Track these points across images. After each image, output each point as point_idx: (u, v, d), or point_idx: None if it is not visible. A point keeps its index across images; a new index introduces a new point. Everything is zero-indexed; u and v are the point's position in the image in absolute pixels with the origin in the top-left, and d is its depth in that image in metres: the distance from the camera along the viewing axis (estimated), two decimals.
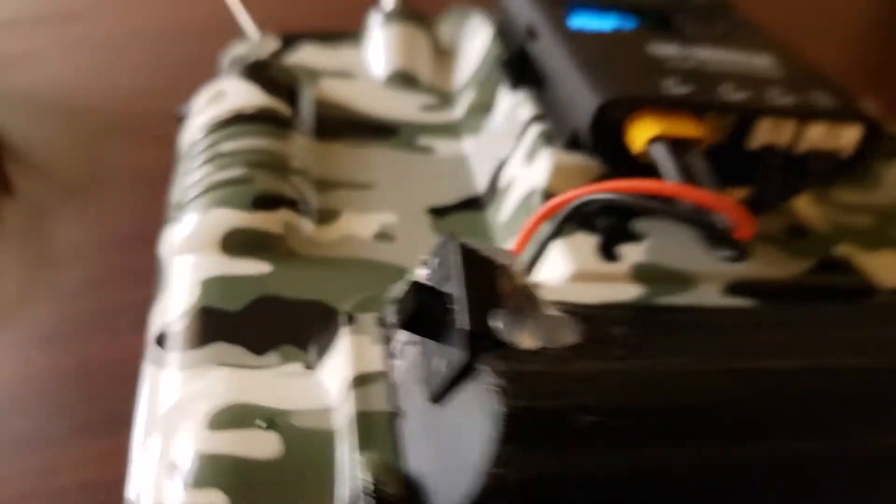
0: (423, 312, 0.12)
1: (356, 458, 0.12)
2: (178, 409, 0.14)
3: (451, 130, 0.23)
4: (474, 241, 0.19)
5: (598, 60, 0.18)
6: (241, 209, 0.18)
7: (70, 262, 0.27)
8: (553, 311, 0.13)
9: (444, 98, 0.25)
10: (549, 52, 0.19)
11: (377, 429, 0.13)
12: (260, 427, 0.13)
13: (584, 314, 0.13)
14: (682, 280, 0.17)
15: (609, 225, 0.17)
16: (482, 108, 0.23)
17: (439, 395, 0.12)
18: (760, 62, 0.19)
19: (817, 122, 0.17)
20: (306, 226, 0.19)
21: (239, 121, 0.21)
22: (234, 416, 0.13)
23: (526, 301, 0.13)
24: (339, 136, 0.22)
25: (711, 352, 0.13)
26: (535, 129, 0.20)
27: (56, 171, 0.33)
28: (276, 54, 0.25)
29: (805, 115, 0.17)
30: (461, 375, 0.11)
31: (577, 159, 0.18)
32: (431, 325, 0.12)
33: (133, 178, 0.31)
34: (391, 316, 0.12)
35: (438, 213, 0.20)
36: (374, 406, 0.13)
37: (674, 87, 0.17)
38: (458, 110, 0.24)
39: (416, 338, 0.13)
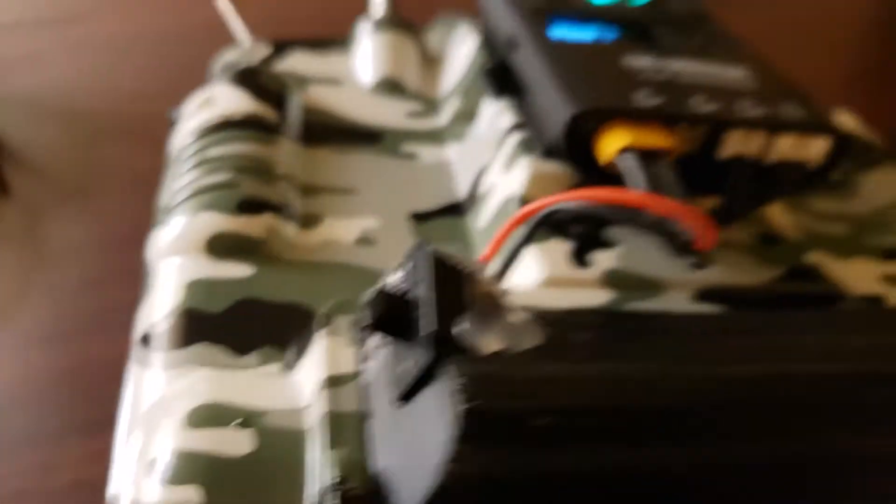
0: (393, 316, 0.13)
1: (326, 457, 0.13)
2: (159, 408, 0.14)
3: (435, 137, 0.24)
4: (454, 246, 0.20)
5: (574, 72, 0.18)
6: (226, 213, 0.18)
7: (68, 262, 0.28)
8: (518, 316, 0.14)
9: (431, 105, 0.25)
10: (528, 63, 0.20)
11: (347, 428, 0.13)
12: (236, 426, 0.13)
13: (549, 319, 0.14)
14: (652, 286, 0.17)
15: (582, 231, 0.18)
16: (466, 115, 0.23)
17: (405, 395, 0.12)
18: (734, 74, 0.19)
19: (786, 133, 0.18)
20: (289, 230, 0.19)
21: (227, 126, 0.21)
22: (211, 415, 0.13)
23: (492, 307, 0.14)
24: (325, 141, 0.23)
25: (672, 357, 0.14)
26: (515, 138, 0.20)
27: (55, 173, 0.33)
28: (267, 61, 0.25)
29: (774, 126, 0.18)
30: (425, 377, 0.12)
31: (554, 167, 0.19)
32: (400, 328, 0.13)
33: (131, 179, 0.31)
34: (363, 319, 0.13)
35: (420, 218, 0.21)
36: (346, 406, 0.14)
37: (645, 99, 0.17)
38: (444, 117, 0.25)
39: (387, 340, 0.13)
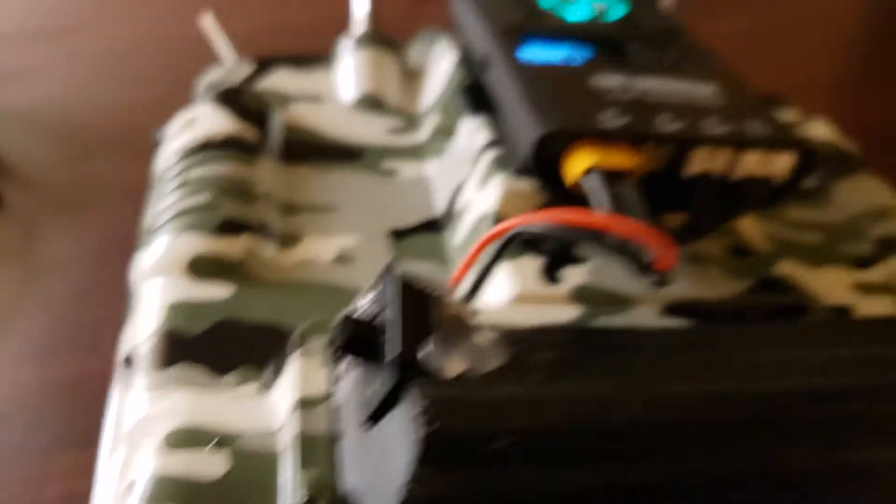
0: (360, 339, 0.13)
1: (297, 478, 0.13)
2: (140, 429, 0.15)
3: (415, 153, 0.24)
4: (431, 262, 0.20)
5: (542, 92, 0.19)
6: (206, 235, 0.19)
7: (60, 276, 0.28)
8: (484, 338, 0.14)
9: (412, 121, 0.26)
10: (499, 83, 0.20)
11: (318, 449, 0.14)
12: (212, 449, 0.14)
13: (515, 338, 0.14)
14: (620, 301, 0.18)
15: (553, 248, 0.18)
16: (446, 131, 0.24)
17: (371, 417, 0.12)
18: (702, 91, 0.20)
19: (752, 150, 0.18)
20: (268, 250, 0.20)
21: (208, 147, 0.22)
22: (188, 438, 0.14)
23: (459, 328, 0.14)
24: (306, 159, 0.23)
25: (633, 375, 0.14)
26: (489, 155, 0.21)
27: (47, 186, 0.34)
28: (250, 79, 0.26)
29: (739, 143, 0.18)
30: (390, 400, 0.12)
31: (527, 185, 0.19)
32: (367, 352, 0.13)
33: (125, 192, 0.32)
34: (333, 341, 0.13)
35: (398, 235, 0.21)
36: (317, 427, 0.14)
37: (611, 120, 0.17)
38: (424, 133, 0.25)
39: (356, 363, 0.14)
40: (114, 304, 0.26)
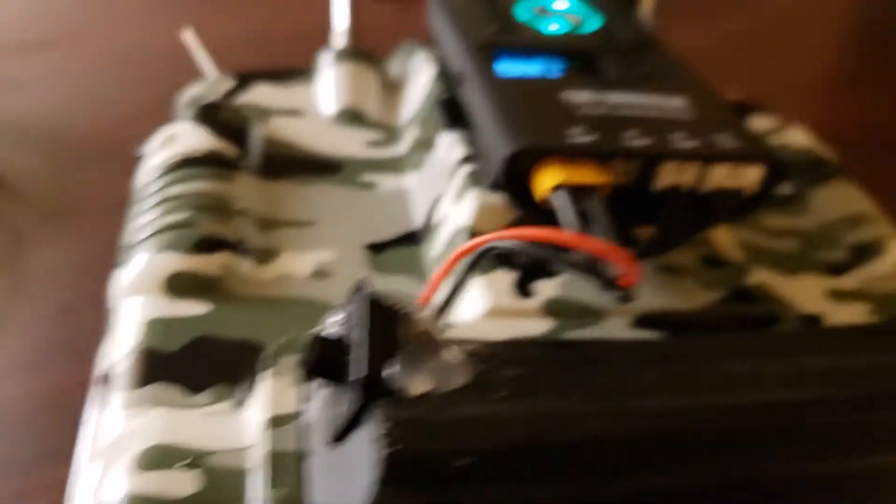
0: (327, 360, 0.13)
1: (266, 496, 0.13)
2: (114, 448, 0.15)
3: (395, 166, 0.25)
4: (409, 276, 0.21)
5: (513, 109, 0.19)
6: (183, 252, 0.19)
7: (46, 287, 0.29)
8: (452, 355, 0.14)
9: (391, 133, 0.26)
10: (472, 98, 0.20)
11: (288, 468, 0.14)
12: (182, 467, 0.14)
13: (484, 354, 0.15)
14: (592, 314, 0.18)
15: (526, 261, 0.19)
16: (425, 144, 0.24)
17: (335, 438, 0.13)
18: (672, 104, 0.20)
19: (720, 163, 0.18)
20: (245, 266, 0.20)
21: (187, 164, 0.22)
22: (160, 457, 0.14)
23: (427, 346, 0.14)
24: (285, 174, 0.23)
25: (599, 389, 0.14)
26: (465, 170, 0.21)
27: (35, 198, 0.34)
28: (230, 94, 0.26)
29: (708, 157, 0.18)
30: (353, 421, 0.13)
31: (501, 200, 0.19)
32: (334, 372, 0.13)
33: (113, 204, 0.32)
34: (302, 361, 0.14)
35: (376, 248, 0.21)
36: (287, 446, 0.14)
37: (579, 136, 0.18)
38: (403, 146, 0.25)
39: (325, 382, 0.14)
40: (100, 316, 0.26)
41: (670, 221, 0.18)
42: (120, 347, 0.17)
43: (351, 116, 0.26)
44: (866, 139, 0.43)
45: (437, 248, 0.21)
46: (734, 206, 0.19)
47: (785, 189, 0.27)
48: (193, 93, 0.26)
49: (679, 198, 0.18)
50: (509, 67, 0.21)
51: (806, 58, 0.53)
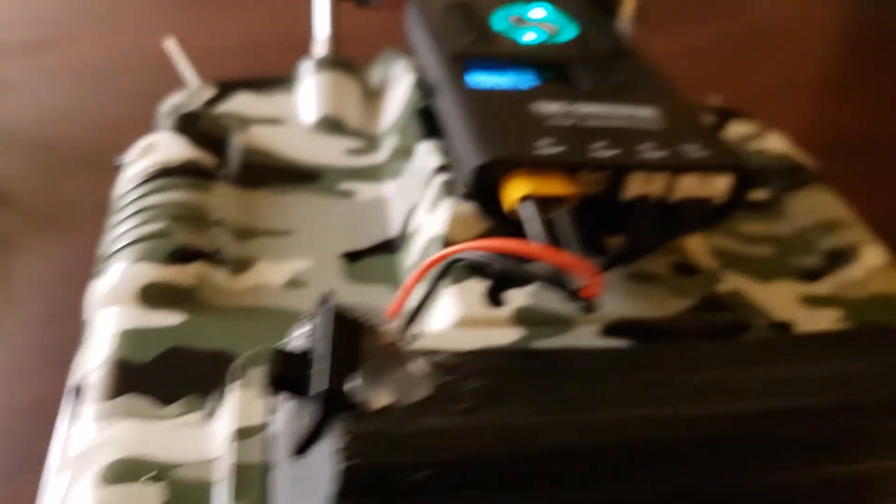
0: (290, 373, 0.14)
1: None
2: (81, 460, 0.15)
3: (374, 174, 0.25)
4: (385, 285, 0.21)
5: (483, 121, 0.19)
6: (158, 263, 0.19)
7: (30, 296, 0.29)
8: (418, 367, 0.14)
9: (371, 141, 0.26)
10: (445, 108, 0.21)
11: (253, 480, 0.14)
12: (147, 480, 0.14)
13: (449, 365, 0.15)
14: (562, 322, 0.18)
15: (498, 270, 0.19)
16: (404, 152, 0.24)
17: (296, 450, 0.13)
18: (643, 114, 0.20)
19: (688, 173, 0.19)
20: (220, 276, 0.20)
21: (164, 174, 0.22)
22: (126, 470, 0.14)
23: (390, 360, 0.14)
24: (264, 183, 0.24)
25: (562, 400, 0.15)
26: (440, 179, 0.21)
27: (20, 205, 0.34)
28: (211, 103, 0.26)
29: (676, 167, 0.18)
30: (314, 434, 0.13)
31: (474, 210, 0.20)
32: (297, 385, 0.14)
33: (98, 212, 0.32)
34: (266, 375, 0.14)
35: (352, 257, 0.22)
36: (252, 458, 0.14)
37: (547, 147, 0.18)
38: (383, 154, 0.25)
39: (288, 395, 0.14)
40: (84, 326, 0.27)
41: (639, 231, 0.19)
42: (93, 358, 0.18)
43: (331, 125, 0.26)
44: (850, 142, 0.44)
45: (412, 256, 0.21)
46: (704, 215, 0.19)
47: (761, 195, 0.27)
48: (174, 102, 0.26)
49: (647, 207, 0.19)
50: (482, 78, 0.21)
51: (794, 62, 0.53)
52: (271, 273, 0.20)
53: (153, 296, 0.19)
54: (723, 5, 0.59)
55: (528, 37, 0.24)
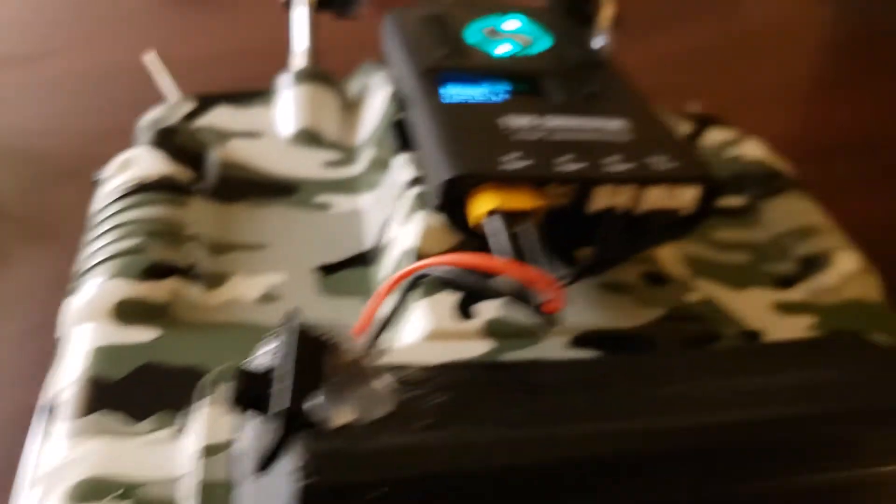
0: (253, 392, 0.14)
1: None
2: (51, 478, 0.15)
3: (351, 186, 0.25)
4: (359, 297, 0.21)
5: (451, 134, 0.19)
6: (132, 279, 0.19)
7: (16, 307, 0.29)
8: (382, 383, 0.15)
9: (350, 154, 0.26)
10: (417, 122, 0.21)
11: (217, 498, 0.14)
12: (113, 499, 0.14)
13: (414, 381, 0.15)
14: (531, 334, 0.18)
15: (462, 286, 0.19)
16: (381, 164, 0.24)
17: (258, 469, 0.13)
18: (611, 126, 0.20)
19: (655, 185, 0.19)
20: (194, 292, 0.20)
21: (140, 190, 0.22)
22: (93, 489, 0.15)
23: (353, 377, 0.15)
24: (240, 197, 0.24)
25: (525, 415, 0.15)
26: (413, 192, 0.21)
27: (7, 216, 0.34)
28: (190, 117, 0.26)
29: (642, 180, 0.19)
30: (274, 453, 0.13)
31: (447, 222, 0.20)
32: (259, 404, 0.14)
33: (82, 225, 0.32)
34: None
35: (326, 270, 0.22)
36: (218, 475, 0.15)
37: (514, 162, 0.18)
38: (360, 166, 0.26)
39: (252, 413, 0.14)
40: None
41: (606, 242, 0.19)
42: (66, 376, 0.18)
43: (308, 137, 0.26)
44: (847, 142, 0.44)
45: (386, 269, 0.21)
46: (672, 226, 0.20)
47: (737, 202, 0.27)
48: (153, 116, 0.27)
49: (614, 219, 0.19)
50: (453, 92, 0.21)
51: (785, 64, 0.53)
52: (245, 288, 0.21)
53: (127, 312, 0.19)
54: (713, 8, 0.59)
55: (502, 49, 0.24)
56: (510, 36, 0.24)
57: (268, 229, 0.23)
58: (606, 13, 0.31)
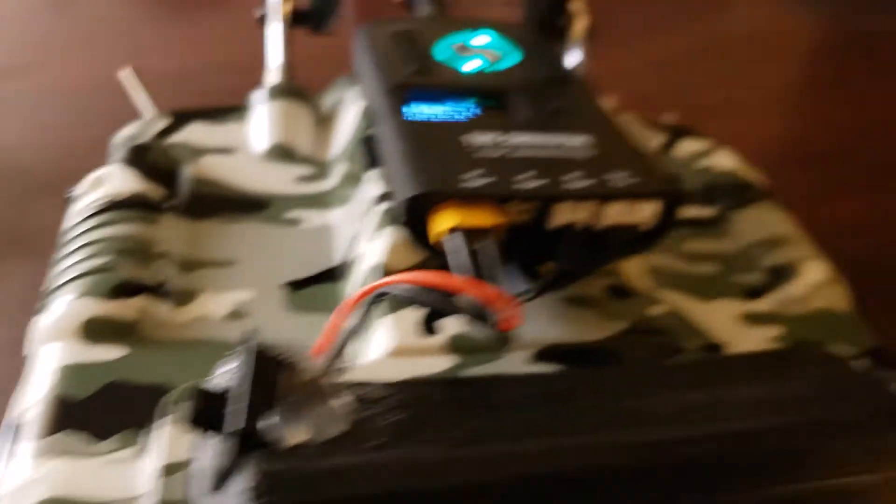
0: (209, 411, 0.14)
1: None
2: (12, 498, 0.15)
3: (322, 201, 0.25)
4: (326, 314, 0.21)
5: (415, 153, 0.19)
6: (100, 298, 0.20)
7: None
8: (339, 402, 0.15)
9: (322, 169, 0.27)
10: (383, 139, 0.21)
11: None
12: None
13: (372, 399, 0.15)
14: (493, 349, 0.19)
15: (421, 304, 0.19)
16: (353, 179, 0.25)
17: (212, 489, 0.13)
18: (574, 143, 0.20)
19: (615, 201, 0.19)
20: (163, 309, 0.20)
21: (112, 208, 0.22)
22: None
23: (309, 396, 0.15)
24: (212, 213, 0.24)
25: (481, 433, 0.15)
26: (381, 208, 0.22)
27: None
28: (164, 133, 0.27)
29: (602, 196, 0.19)
30: (227, 472, 0.13)
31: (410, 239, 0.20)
32: (214, 424, 0.14)
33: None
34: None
35: (295, 286, 0.22)
36: (177, 495, 0.15)
37: (475, 179, 0.18)
38: (332, 181, 0.26)
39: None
40: None
41: (568, 257, 0.19)
42: (32, 394, 0.18)
43: (281, 153, 0.27)
44: (811, 152, 0.44)
45: (354, 284, 0.21)
46: (633, 240, 0.20)
47: (707, 213, 0.27)
48: (127, 132, 0.27)
49: (575, 235, 0.19)
50: (419, 109, 0.21)
51: (768, 70, 0.54)
52: (214, 304, 0.21)
53: (95, 331, 0.19)
54: (697, 16, 0.59)
55: (471, 65, 0.24)
56: (479, 52, 0.25)
57: (238, 245, 0.23)
58: (580, 26, 0.32)
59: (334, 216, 0.24)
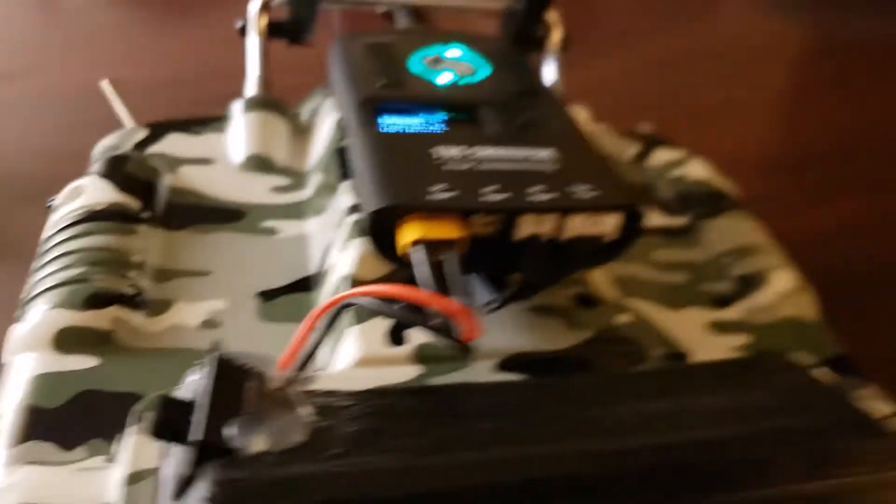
0: (171, 421, 0.14)
1: None
2: None
3: (297, 211, 0.25)
4: (297, 323, 0.21)
5: (382, 166, 0.20)
6: (74, 309, 0.20)
7: None
8: (302, 412, 0.15)
9: (299, 179, 0.27)
10: (353, 151, 0.21)
11: None
12: None
13: (334, 408, 0.16)
14: (459, 358, 0.19)
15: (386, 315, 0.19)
16: (329, 189, 0.25)
17: (173, 497, 0.14)
18: (539, 156, 0.21)
19: (577, 213, 0.19)
20: (136, 319, 0.21)
21: (88, 219, 0.23)
22: None
23: (272, 406, 0.15)
24: (189, 223, 0.24)
25: (439, 442, 0.15)
26: (351, 219, 0.22)
27: None
28: (142, 144, 0.27)
29: (565, 209, 0.19)
30: (187, 481, 0.13)
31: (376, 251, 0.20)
32: (177, 433, 0.14)
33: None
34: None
35: (267, 296, 0.22)
36: (142, 503, 0.15)
37: (440, 193, 0.19)
38: (308, 191, 0.26)
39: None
40: None
41: (532, 268, 0.19)
42: (4, 404, 0.18)
43: (258, 163, 0.27)
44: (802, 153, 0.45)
45: (325, 294, 0.22)
46: (597, 251, 0.20)
47: (678, 222, 0.28)
48: (106, 143, 0.27)
49: (539, 246, 0.19)
50: (390, 122, 0.22)
51: (753, 76, 0.54)
52: (187, 314, 0.21)
53: (68, 341, 0.19)
54: (682, 24, 0.60)
55: (444, 77, 0.24)
56: (451, 65, 0.25)
57: (214, 255, 0.23)
58: (555, 37, 0.32)
59: (310, 226, 0.25)
